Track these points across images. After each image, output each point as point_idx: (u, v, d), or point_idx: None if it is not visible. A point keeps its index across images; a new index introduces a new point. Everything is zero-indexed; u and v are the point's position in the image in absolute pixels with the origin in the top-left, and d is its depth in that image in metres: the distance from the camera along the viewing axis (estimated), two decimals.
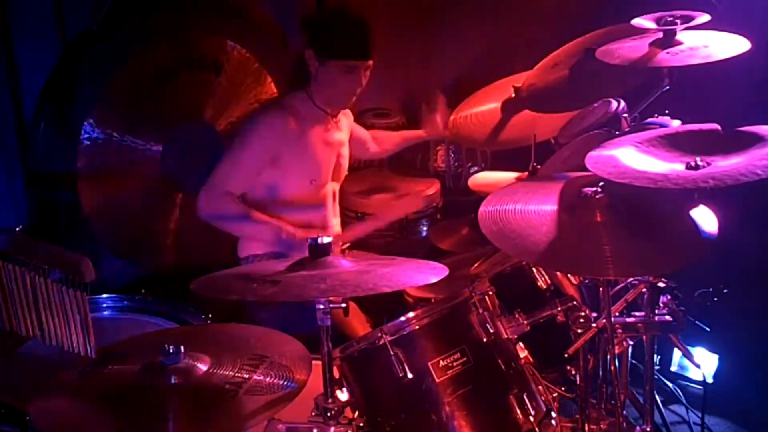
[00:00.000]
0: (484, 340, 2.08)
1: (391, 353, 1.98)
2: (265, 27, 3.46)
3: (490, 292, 2.19)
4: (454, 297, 2.12)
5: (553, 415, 2.14)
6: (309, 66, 2.75)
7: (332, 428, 1.90)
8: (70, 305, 1.93)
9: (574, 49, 2.85)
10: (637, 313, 2.27)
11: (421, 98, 3.44)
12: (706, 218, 2.02)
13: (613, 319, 2.18)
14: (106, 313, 2.60)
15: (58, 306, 1.94)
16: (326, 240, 1.95)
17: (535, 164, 2.76)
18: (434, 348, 2.03)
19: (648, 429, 2.34)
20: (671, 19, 2.40)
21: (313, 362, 1.85)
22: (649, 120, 2.57)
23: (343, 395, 1.99)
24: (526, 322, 2.18)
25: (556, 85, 2.83)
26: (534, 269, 2.42)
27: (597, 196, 2.03)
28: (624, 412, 2.36)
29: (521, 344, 2.23)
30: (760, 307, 3.08)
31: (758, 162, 1.84)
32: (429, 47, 3.89)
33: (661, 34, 2.40)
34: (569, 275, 2.33)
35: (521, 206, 2.10)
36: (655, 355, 2.40)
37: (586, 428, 2.29)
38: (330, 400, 1.91)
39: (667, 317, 2.23)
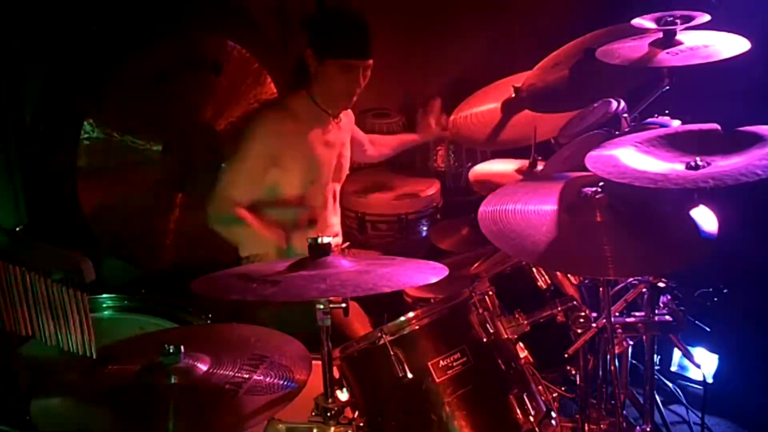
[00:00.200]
0: (484, 340, 2.08)
1: (391, 353, 1.98)
2: (265, 27, 3.46)
3: (490, 292, 2.19)
4: (454, 297, 2.11)
5: (553, 415, 2.14)
6: (309, 66, 2.76)
7: (332, 428, 1.90)
8: (70, 305, 1.93)
9: (574, 49, 2.85)
10: (637, 313, 2.27)
11: (419, 100, 3.44)
12: (706, 218, 2.02)
13: (613, 319, 2.18)
14: (106, 313, 2.60)
15: (58, 306, 1.94)
16: (326, 240, 1.95)
17: (535, 155, 2.76)
18: (434, 348, 2.03)
19: (648, 429, 2.35)
20: (671, 19, 2.40)
21: (313, 362, 1.85)
22: (649, 120, 2.57)
23: (343, 395, 1.99)
24: (526, 322, 2.18)
25: (556, 85, 2.84)
26: (534, 269, 2.42)
27: (597, 196, 2.03)
28: (624, 412, 2.36)
29: (521, 344, 2.22)
30: (760, 307, 3.08)
31: (758, 162, 1.84)
32: (429, 47, 3.89)
33: (661, 34, 2.40)
34: (569, 275, 2.33)
35: (521, 206, 2.10)
36: (655, 355, 2.40)
37: (586, 428, 2.29)
38: (330, 400, 1.91)
39: (667, 317, 2.24)
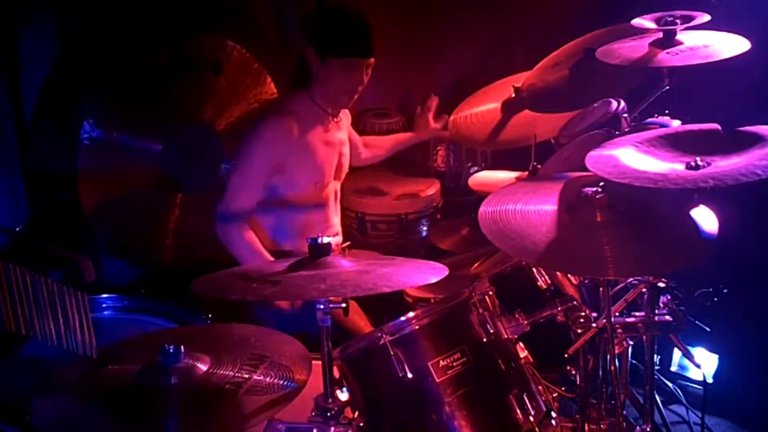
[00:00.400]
0: (484, 340, 2.08)
1: (391, 353, 1.98)
2: (265, 27, 3.46)
3: (490, 292, 2.19)
4: (454, 297, 2.11)
5: (553, 415, 2.14)
6: (310, 65, 2.75)
7: (332, 428, 1.90)
8: (70, 305, 1.93)
9: (574, 49, 2.85)
10: (637, 313, 2.27)
11: (419, 100, 3.44)
12: (706, 218, 2.02)
13: (613, 319, 2.18)
14: (106, 313, 2.60)
15: (58, 306, 1.94)
16: (326, 240, 1.95)
17: (535, 164, 2.76)
18: (434, 348, 2.03)
19: (648, 429, 2.35)
20: (671, 19, 2.40)
21: (313, 362, 1.85)
22: (649, 120, 2.57)
23: (343, 395, 1.98)
24: (526, 322, 2.18)
25: (556, 85, 2.84)
26: (534, 269, 2.42)
27: (597, 196, 2.03)
28: (624, 412, 2.36)
29: (521, 344, 2.22)
30: (760, 307, 3.08)
31: (758, 162, 1.84)
32: (429, 47, 3.89)
33: (661, 34, 2.40)
34: (569, 275, 2.33)
35: (521, 206, 2.10)
36: (655, 355, 2.40)
37: (586, 428, 2.29)
38: (330, 400, 1.91)
39: (667, 317, 2.24)
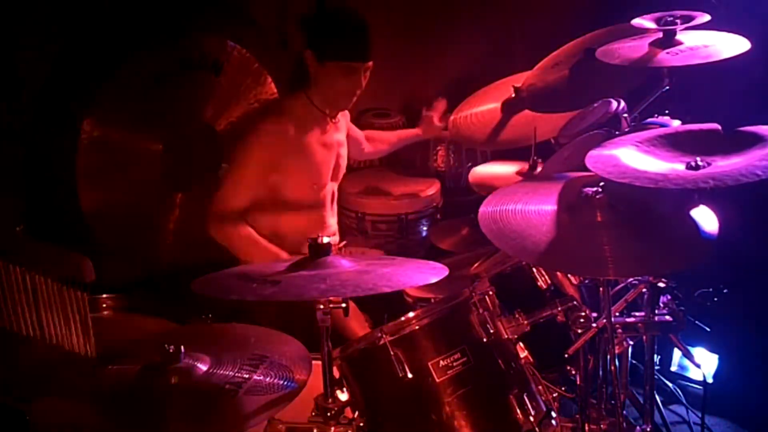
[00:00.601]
0: (484, 340, 2.08)
1: (391, 353, 1.98)
2: (265, 27, 3.46)
3: (490, 292, 2.19)
4: (454, 297, 2.11)
5: (553, 415, 2.14)
6: (308, 67, 2.75)
7: (332, 428, 1.90)
8: (70, 305, 1.93)
9: (574, 49, 2.85)
10: (637, 313, 2.27)
11: (419, 100, 3.44)
12: (706, 218, 2.02)
13: (613, 319, 2.18)
14: (106, 313, 2.60)
15: (58, 306, 1.94)
16: (326, 240, 1.95)
17: (535, 157, 2.76)
18: (434, 348, 2.02)
19: (648, 429, 2.35)
20: (671, 19, 2.40)
21: (313, 362, 1.85)
22: (649, 120, 2.57)
23: (343, 395, 1.99)
24: (526, 322, 2.18)
25: (556, 85, 2.84)
26: (534, 269, 2.42)
27: (597, 196, 2.03)
28: (624, 412, 2.36)
29: (521, 344, 2.22)
30: (760, 307, 3.07)
31: (758, 162, 1.84)
32: (429, 47, 3.89)
33: (661, 34, 2.40)
34: (569, 275, 2.33)
35: (521, 206, 2.10)
36: (655, 355, 2.40)
37: (586, 428, 2.29)
38: (330, 400, 1.91)
39: (667, 317, 2.24)
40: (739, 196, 2.07)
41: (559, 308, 2.20)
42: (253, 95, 3.31)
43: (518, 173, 3.00)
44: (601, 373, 2.37)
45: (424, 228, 3.51)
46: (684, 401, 3.07)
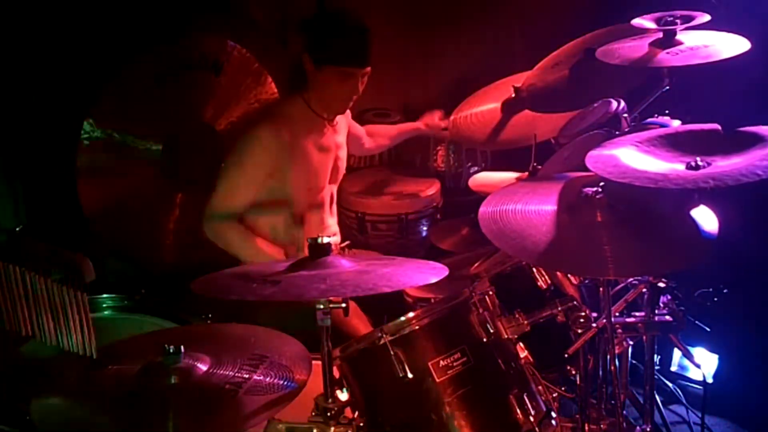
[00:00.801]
0: (484, 340, 2.08)
1: (391, 353, 1.98)
2: (265, 27, 3.46)
3: (490, 292, 2.19)
4: (454, 297, 2.11)
5: (553, 415, 2.14)
6: (306, 70, 2.73)
7: (332, 428, 1.90)
8: (70, 305, 1.93)
9: (574, 49, 2.85)
10: (637, 313, 2.27)
11: (419, 100, 3.44)
12: (706, 218, 2.02)
13: (613, 319, 2.18)
14: (106, 313, 2.60)
15: (58, 306, 1.94)
16: (326, 240, 1.95)
17: (535, 164, 2.76)
18: (434, 348, 2.03)
19: (648, 429, 2.35)
20: (671, 19, 2.40)
21: (313, 362, 1.85)
22: (649, 120, 2.57)
23: (343, 395, 1.98)
24: (526, 322, 2.18)
25: (556, 85, 2.83)
26: (534, 269, 2.42)
27: (597, 196, 2.03)
28: (624, 412, 2.36)
29: (521, 344, 2.22)
30: (760, 307, 3.07)
31: (758, 162, 1.84)
32: (429, 47, 3.89)
33: (661, 34, 2.40)
34: (569, 275, 2.33)
35: (521, 206, 2.10)
36: (655, 355, 2.40)
37: (586, 428, 2.29)
38: (330, 400, 1.91)
39: (667, 317, 2.24)
40: (739, 196, 2.07)
41: (559, 308, 2.20)
42: (254, 95, 3.30)
43: (518, 180, 2.99)
44: (601, 373, 2.37)
45: (424, 228, 3.51)
46: (684, 401, 3.06)
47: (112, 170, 2.97)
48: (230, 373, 1.75)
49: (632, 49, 2.42)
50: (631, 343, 2.33)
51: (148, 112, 3.03)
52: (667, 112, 2.57)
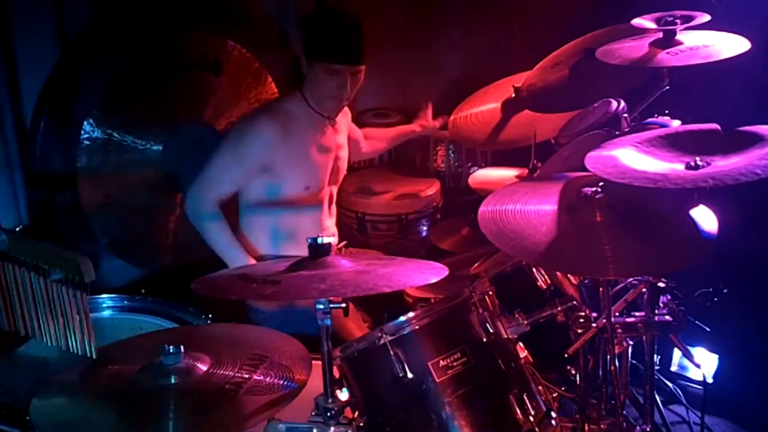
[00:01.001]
0: (484, 340, 2.08)
1: (391, 353, 1.98)
2: (266, 27, 3.46)
3: (490, 292, 2.19)
4: (454, 297, 2.11)
5: (553, 415, 2.14)
6: (301, 66, 2.74)
7: (332, 428, 1.90)
8: (70, 305, 1.92)
9: (574, 49, 2.85)
10: (637, 313, 2.27)
11: (419, 100, 3.44)
12: (706, 218, 2.02)
13: (613, 319, 2.18)
14: (106, 313, 2.60)
15: (58, 306, 1.93)
16: (326, 240, 1.95)
17: (535, 162, 2.76)
18: (434, 348, 2.03)
19: (648, 429, 2.35)
20: (671, 19, 2.40)
21: (313, 362, 1.85)
22: (649, 120, 2.57)
23: (343, 395, 1.98)
24: (526, 322, 2.18)
25: (556, 85, 2.84)
26: (534, 269, 2.42)
27: (597, 196, 2.03)
28: (624, 412, 2.36)
29: (521, 344, 2.22)
30: (760, 307, 3.07)
31: (758, 162, 1.84)
32: (429, 47, 3.89)
33: (661, 34, 2.40)
34: (569, 275, 2.33)
35: (521, 206, 2.10)
36: (655, 355, 2.40)
37: (586, 428, 2.29)
38: (330, 400, 1.91)
39: (667, 317, 2.24)
40: (739, 196, 2.08)
41: (559, 308, 2.20)
42: (254, 95, 3.31)
43: (518, 177, 3.00)
44: (601, 373, 2.37)
45: (424, 228, 3.51)
46: (684, 401, 3.06)
47: (112, 170, 2.97)
48: (230, 373, 1.75)
49: (632, 49, 2.42)
50: (631, 343, 2.33)
51: (148, 112, 3.03)
52: (667, 112, 2.57)
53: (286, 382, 1.74)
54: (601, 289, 2.16)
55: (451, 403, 1.99)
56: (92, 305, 2.38)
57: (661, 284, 2.21)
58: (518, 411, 2.03)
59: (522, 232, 2.01)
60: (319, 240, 1.95)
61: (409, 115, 3.71)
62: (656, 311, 2.24)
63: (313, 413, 1.93)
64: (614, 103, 2.60)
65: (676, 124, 2.45)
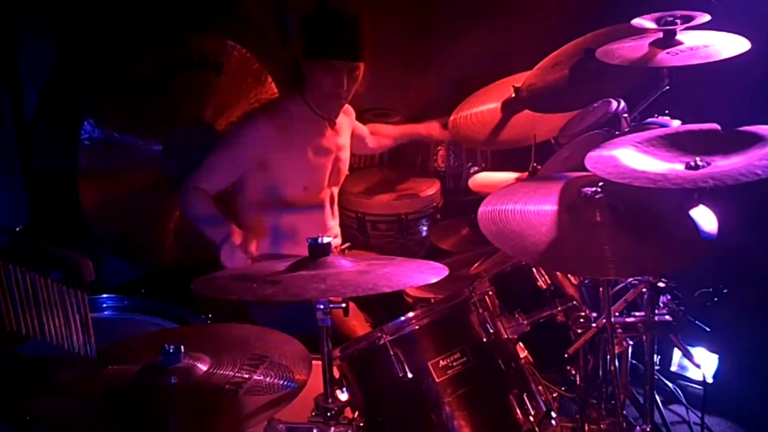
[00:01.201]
0: (484, 340, 2.08)
1: (391, 353, 1.98)
2: (265, 27, 3.46)
3: (490, 292, 2.19)
4: (454, 297, 2.12)
5: (553, 415, 2.14)
6: (300, 65, 2.74)
7: (332, 428, 1.90)
8: (70, 305, 1.92)
9: (574, 49, 2.84)
10: (637, 313, 2.27)
11: (419, 100, 3.44)
12: (706, 218, 2.02)
13: (613, 319, 2.18)
14: (106, 313, 2.60)
15: (58, 306, 1.94)
16: (326, 240, 1.95)
17: (535, 164, 2.76)
18: (434, 348, 2.03)
19: (648, 429, 2.35)
20: (671, 19, 2.40)
21: (313, 362, 1.85)
22: (649, 120, 2.57)
23: (343, 395, 1.99)
24: (526, 322, 2.18)
25: (556, 85, 2.83)
26: (534, 269, 2.42)
27: (597, 196, 2.03)
28: (624, 412, 2.36)
29: (521, 344, 2.23)
30: (760, 307, 3.07)
31: (758, 162, 1.84)
32: (429, 47, 3.88)
33: (661, 34, 2.40)
34: (569, 275, 2.33)
35: (521, 206, 2.10)
36: (655, 355, 2.40)
37: (586, 428, 2.29)
38: (330, 400, 1.91)
39: (667, 317, 2.23)
40: (739, 196, 2.07)
41: (559, 308, 2.20)
42: (254, 95, 3.31)
43: (518, 180, 2.99)
44: (601, 373, 2.37)
45: (424, 228, 3.51)
46: (684, 401, 3.07)
47: (112, 170, 2.97)
48: (230, 373, 1.75)
49: (632, 49, 2.42)
50: (631, 343, 2.33)
51: (148, 112, 3.03)
52: (667, 112, 2.57)
53: (286, 382, 1.74)
54: (601, 289, 2.16)
55: (451, 403, 1.99)
56: (92, 305, 2.37)
57: (661, 284, 2.21)
58: (518, 411, 2.03)
59: (522, 232, 2.01)
60: (319, 240, 1.95)
61: (408, 115, 3.71)
62: (656, 311, 2.24)
63: (313, 413, 1.93)
64: (614, 103, 2.60)
65: (676, 124, 2.45)
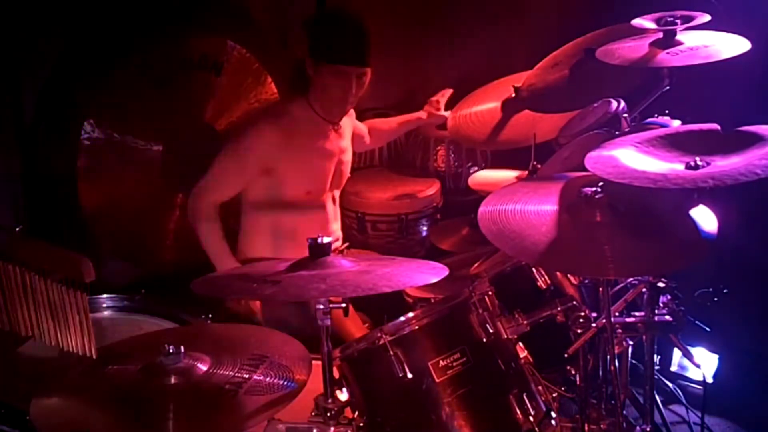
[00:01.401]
0: (484, 340, 2.08)
1: (391, 353, 1.98)
2: (266, 27, 3.46)
3: (490, 292, 2.19)
4: (454, 297, 2.11)
5: (553, 415, 2.14)
6: (307, 70, 2.73)
7: (332, 428, 1.90)
8: (70, 305, 1.92)
9: (574, 49, 2.85)
10: (637, 313, 2.27)
11: (419, 100, 3.43)
12: (705, 218, 2.02)
13: (613, 319, 2.18)
14: (106, 313, 2.60)
15: (58, 306, 1.94)
16: (326, 240, 1.95)
17: (535, 163, 2.76)
18: (434, 348, 2.03)
19: (648, 429, 2.35)
20: (671, 19, 2.40)
21: (313, 362, 1.85)
22: (649, 120, 2.57)
23: (343, 395, 1.99)
24: (526, 322, 2.18)
25: (556, 85, 2.83)
26: (534, 269, 2.42)
27: (597, 196, 2.03)
28: (624, 412, 2.36)
29: (521, 344, 2.22)
30: (760, 307, 3.08)
31: (758, 162, 1.84)
32: (429, 47, 3.89)
33: (661, 35, 2.40)
34: (569, 275, 2.33)
35: (521, 206, 2.10)
36: (655, 355, 2.40)
37: (586, 428, 2.29)
38: (330, 400, 1.91)
39: (667, 317, 2.23)
40: (739, 196, 2.07)
41: (559, 308, 2.20)
42: (254, 95, 3.31)
43: (518, 179, 2.99)
44: (601, 373, 2.37)
45: (424, 228, 3.51)
46: (684, 401, 3.07)
47: (112, 170, 2.97)
48: (230, 373, 1.75)
49: (632, 49, 2.42)
50: (631, 343, 2.33)
51: (148, 112, 3.03)
52: (667, 112, 2.57)
53: (286, 382, 1.74)
54: (601, 289, 2.16)
55: (451, 403, 1.99)
56: (92, 305, 2.37)
57: (661, 284, 2.21)
58: (518, 411, 2.03)
59: (522, 232, 2.01)
60: (319, 240, 1.95)
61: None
62: (656, 311, 2.24)
63: (313, 413, 1.93)
64: (614, 103, 2.60)
65: (676, 124, 2.45)
